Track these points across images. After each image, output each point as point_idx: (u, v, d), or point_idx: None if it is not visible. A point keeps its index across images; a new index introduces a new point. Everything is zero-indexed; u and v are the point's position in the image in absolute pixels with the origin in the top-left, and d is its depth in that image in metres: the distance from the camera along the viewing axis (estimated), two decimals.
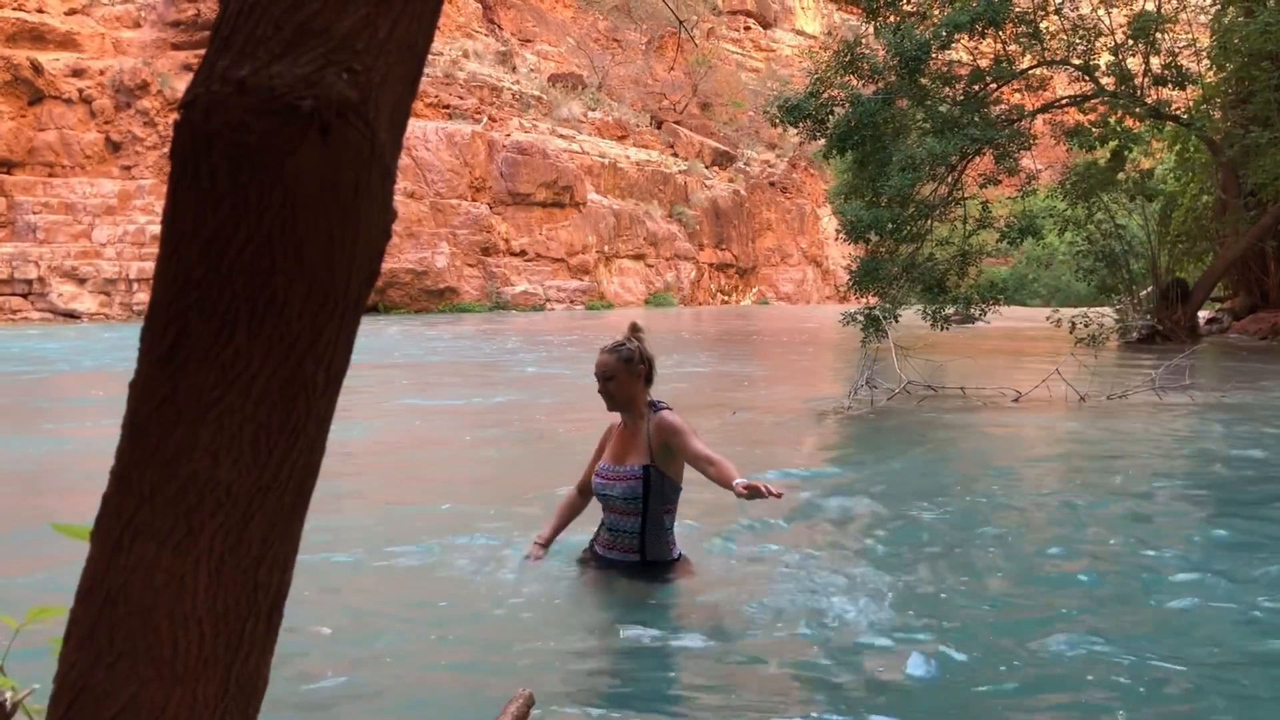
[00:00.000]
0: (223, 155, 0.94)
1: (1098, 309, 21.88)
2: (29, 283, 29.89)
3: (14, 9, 32.84)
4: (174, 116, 0.99)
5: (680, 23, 5.99)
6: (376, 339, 22.02)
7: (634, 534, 4.25)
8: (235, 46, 0.95)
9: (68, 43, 34.07)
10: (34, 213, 30.99)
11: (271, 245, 0.95)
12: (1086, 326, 19.67)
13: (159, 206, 29.11)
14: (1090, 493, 6.61)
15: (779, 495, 3.76)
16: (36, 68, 32.21)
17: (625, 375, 4.28)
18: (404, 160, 34.76)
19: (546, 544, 4.57)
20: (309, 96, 0.93)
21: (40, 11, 33.72)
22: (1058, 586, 4.47)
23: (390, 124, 1.00)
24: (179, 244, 0.97)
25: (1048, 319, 22.27)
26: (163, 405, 0.97)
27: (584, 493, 4.64)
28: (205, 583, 0.98)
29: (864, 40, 20.59)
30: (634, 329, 4.39)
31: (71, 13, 35.15)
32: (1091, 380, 12.05)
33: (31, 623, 1.44)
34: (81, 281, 30.39)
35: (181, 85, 33.18)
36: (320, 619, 3.85)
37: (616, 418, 4.44)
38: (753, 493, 3.74)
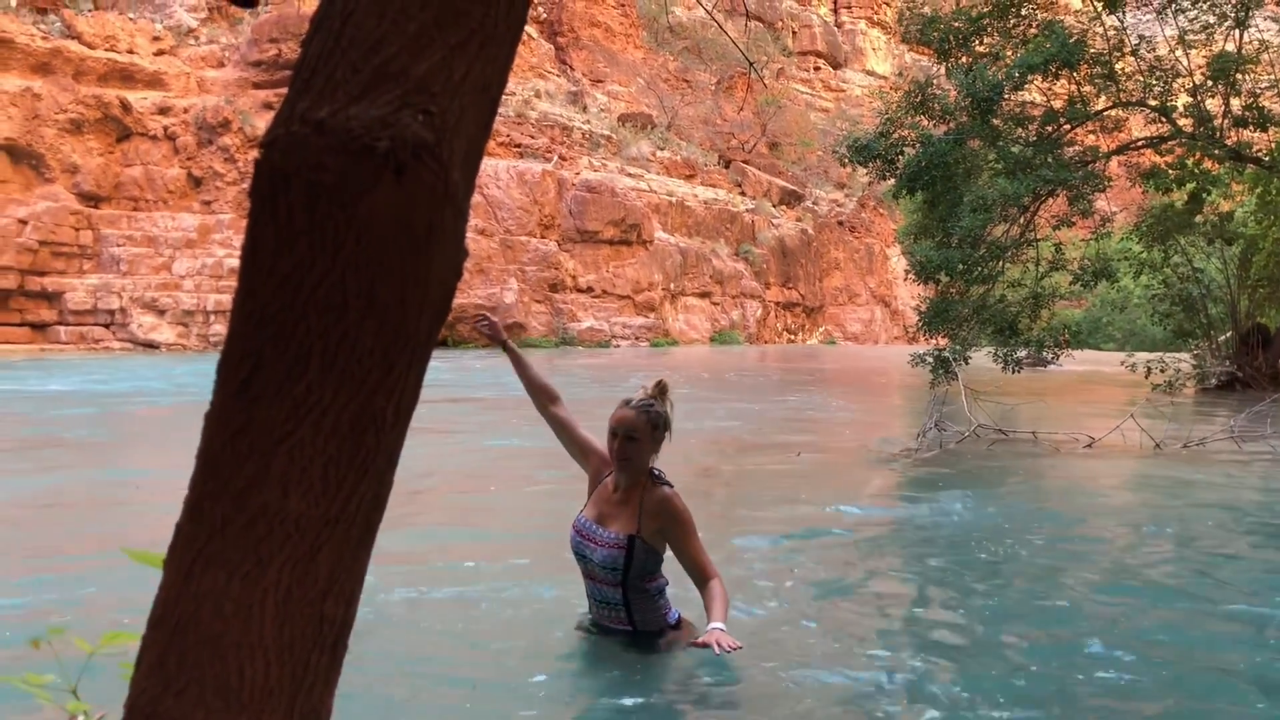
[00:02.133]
0: (300, 194, 0.96)
1: (1174, 354, 21.35)
2: (111, 313, 30.73)
3: (106, 50, 34.10)
4: (254, 153, 1.01)
5: (750, 64, 5.97)
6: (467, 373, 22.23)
7: (619, 605, 3.89)
8: (315, 88, 0.98)
9: (155, 82, 35.22)
10: (118, 245, 31.93)
11: (346, 282, 0.97)
12: (1163, 372, 19.20)
13: (237, 240, 29.80)
14: (1166, 546, 6.42)
15: (730, 649, 3.38)
16: (125, 106, 33.33)
17: (649, 441, 3.82)
18: (475, 198, 34.87)
19: (508, 345, 4.06)
20: (385, 137, 0.95)
21: (130, 52, 34.96)
22: (1128, 649, 4.30)
23: (464, 164, 1.02)
24: (256, 279, 0.99)
25: (1122, 363, 21.81)
26: (236, 437, 0.99)
27: (555, 406, 4.13)
28: (273, 613, 0.99)
29: (935, 81, 20.49)
30: (661, 389, 3.90)
31: (159, 53, 36.39)
32: (1168, 427, 11.75)
33: (105, 647, 1.47)
34: (161, 313, 31.17)
35: (261, 123, 34.08)
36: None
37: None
38: (705, 646, 3.42)
